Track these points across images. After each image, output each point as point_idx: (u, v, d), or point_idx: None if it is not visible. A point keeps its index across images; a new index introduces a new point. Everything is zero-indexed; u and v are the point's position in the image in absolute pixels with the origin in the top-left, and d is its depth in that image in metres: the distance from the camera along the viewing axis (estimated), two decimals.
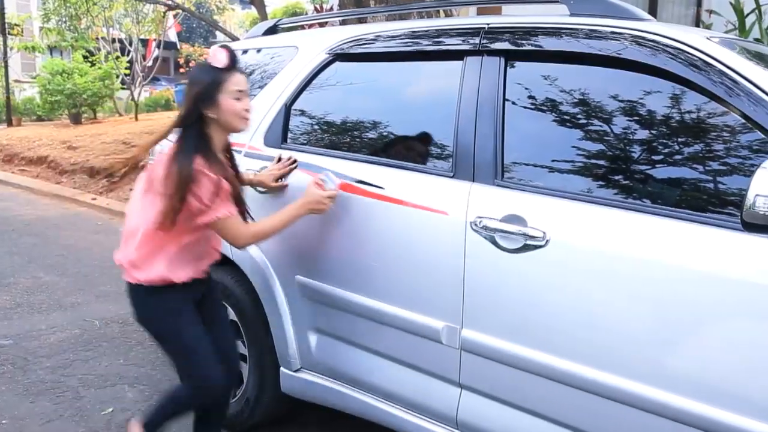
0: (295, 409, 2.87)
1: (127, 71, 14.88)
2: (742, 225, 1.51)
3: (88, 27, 15.40)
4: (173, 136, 2.18)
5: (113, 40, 15.58)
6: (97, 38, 15.62)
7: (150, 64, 15.61)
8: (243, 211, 2.28)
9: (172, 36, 18.63)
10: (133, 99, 14.36)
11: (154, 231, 2.12)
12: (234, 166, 2.34)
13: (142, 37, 15.87)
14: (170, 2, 10.75)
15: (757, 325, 1.58)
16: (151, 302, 2.23)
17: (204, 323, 2.29)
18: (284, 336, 2.57)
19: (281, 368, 2.61)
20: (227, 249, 2.71)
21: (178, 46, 20.41)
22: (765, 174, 1.46)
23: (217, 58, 2.13)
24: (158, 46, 16.00)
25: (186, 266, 2.23)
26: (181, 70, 20.42)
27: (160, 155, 2.16)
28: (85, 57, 14.80)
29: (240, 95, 2.16)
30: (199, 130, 2.13)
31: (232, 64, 2.16)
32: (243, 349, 2.74)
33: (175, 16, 15.65)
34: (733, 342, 1.61)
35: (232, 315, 2.76)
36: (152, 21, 15.10)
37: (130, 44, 15.43)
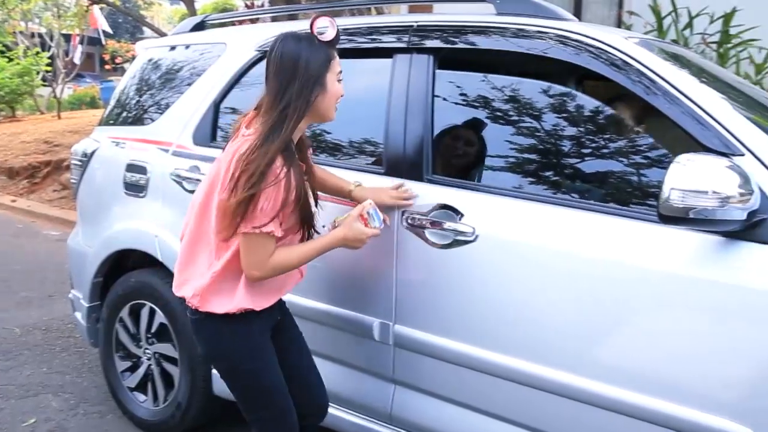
0: (228, 410, 2.82)
1: (49, 68, 14.27)
2: (659, 218, 1.57)
3: (4, 20, 14.70)
4: (245, 130, 1.81)
5: (32, 35, 14.90)
6: (15, 32, 14.91)
7: (78, 61, 15.03)
8: (306, 229, 1.89)
9: (105, 26, 17.89)
10: (55, 96, 13.79)
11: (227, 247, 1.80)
12: (308, 167, 1.96)
13: (64, 32, 15.25)
14: None
15: (674, 314, 1.65)
16: (225, 333, 1.87)
17: (280, 350, 1.97)
18: None
19: (213, 371, 2.56)
20: (155, 248, 2.65)
21: (103, 42, 19.70)
22: (679, 168, 1.52)
23: (325, 30, 1.78)
24: (81, 42, 15.42)
25: (273, 292, 1.90)
26: (107, 66, 19.74)
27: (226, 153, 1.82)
28: (1, 52, 14.11)
29: (341, 77, 1.84)
30: (285, 122, 1.74)
31: (338, 39, 1.82)
32: (174, 353, 2.68)
33: (101, 9, 15.10)
34: (655, 331, 1.68)
35: (161, 318, 2.69)
36: (74, 15, 14.53)
37: (51, 39, 14.80)
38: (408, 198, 2.05)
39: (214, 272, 1.82)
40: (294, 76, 1.74)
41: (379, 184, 2.11)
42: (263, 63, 2.56)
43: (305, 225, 1.86)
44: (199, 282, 1.84)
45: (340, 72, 1.84)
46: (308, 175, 1.92)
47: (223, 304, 1.82)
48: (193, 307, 1.85)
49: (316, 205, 1.95)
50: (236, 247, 1.79)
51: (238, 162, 1.71)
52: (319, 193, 2.03)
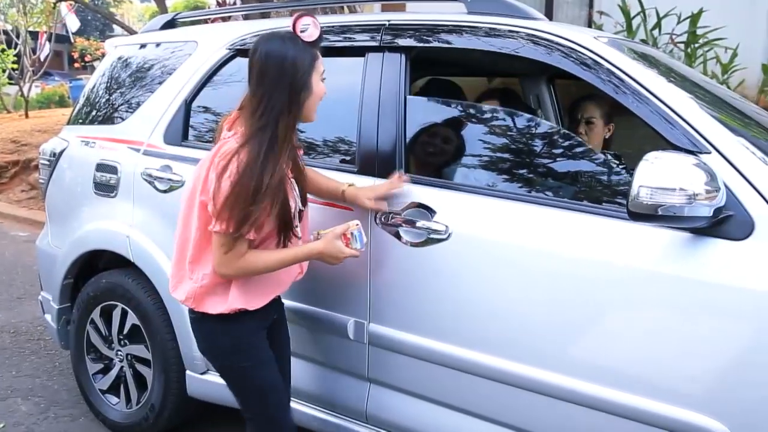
0: (205, 410, 2.80)
1: (15, 65, 13.98)
2: (628, 215, 1.60)
3: None
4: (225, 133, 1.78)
5: None
6: None
7: (45, 57, 14.73)
8: (283, 235, 1.83)
9: (73, 25, 17.55)
10: (22, 95, 13.51)
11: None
12: (299, 169, 1.93)
13: (31, 29, 14.96)
14: None
15: (644, 310, 1.68)
16: (218, 332, 1.88)
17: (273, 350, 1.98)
18: (190, 338, 2.50)
19: (187, 371, 2.54)
20: (127, 249, 2.62)
21: (72, 40, 19.35)
22: (647, 166, 1.55)
23: (307, 29, 1.74)
24: (49, 39, 15.14)
25: (266, 291, 1.89)
26: (76, 65, 19.42)
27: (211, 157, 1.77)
28: None
29: (324, 76, 1.81)
30: (275, 127, 1.71)
31: (321, 39, 1.78)
32: (147, 354, 2.65)
33: (70, 6, 14.84)
34: (625, 327, 1.71)
35: (134, 319, 2.66)
36: (41, 12, 14.25)
37: (18, 36, 14.50)
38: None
39: (204, 274, 1.83)
40: (281, 78, 1.71)
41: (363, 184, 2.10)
42: (235, 61, 2.58)
43: (282, 231, 1.82)
44: (190, 285, 1.85)
45: (324, 72, 1.82)
46: (298, 176, 1.91)
47: (216, 305, 1.83)
48: (189, 306, 1.88)
49: (304, 205, 1.93)
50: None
51: (232, 180, 1.68)
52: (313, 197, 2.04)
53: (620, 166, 1.97)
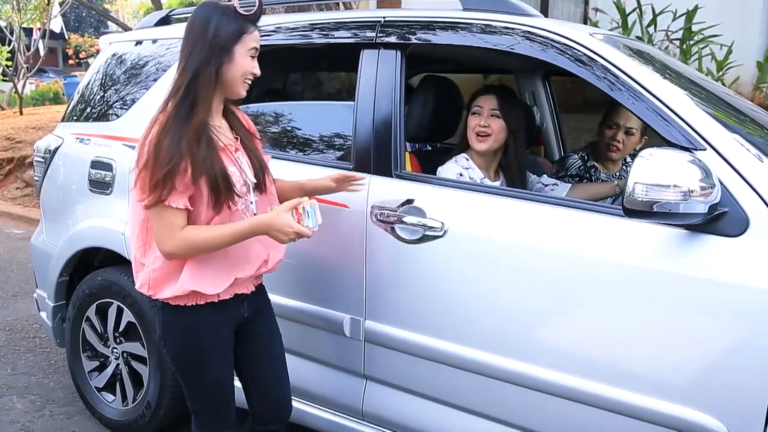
0: None
1: (9, 62, 13.92)
2: (624, 211, 1.60)
3: None
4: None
5: None
6: None
7: (41, 53, 14.67)
8: (220, 200, 1.75)
9: (56, 27, 17.54)
10: (17, 92, 13.45)
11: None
12: (250, 149, 1.89)
13: (25, 25, 14.89)
14: None
15: (639, 306, 1.69)
16: (175, 323, 1.84)
17: (244, 350, 1.96)
18: None
19: None
20: (122, 246, 2.61)
21: (66, 37, 19.28)
22: (642, 162, 1.55)
23: (247, 5, 1.76)
24: (42, 36, 15.07)
25: (220, 274, 1.81)
26: (71, 61, 19.36)
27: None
28: None
29: (255, 54, 1.81)
30: (194, 86, 1.72)
31: (258, 16, 1.80)
32: (143, 351, 2.65)
33: (61, 3, 14.77)
34: (624, 323, 1.71)
35: (129, 316, 2.66)
36: (35, 8, 14.19)
37: (12, 33, 14.44)
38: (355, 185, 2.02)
39: (155, 257, 1.80)
40: (202, 40, 1.73)
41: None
42: None
43: (217, 201, 1.75)
44: (144, 270, 1.83)
45: (255, 49, 1.80)
46: (250, 147, 1.88)
47: (170, 288, 1.79)
48: (149, 295, 1.84)
49: (258, 179, 1.88)
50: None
51: (149, 143, 1.68)
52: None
53: None
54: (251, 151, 1.89)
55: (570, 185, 2.55)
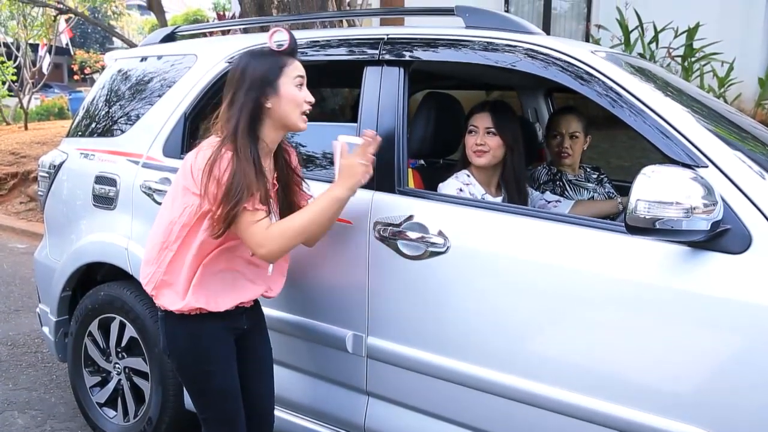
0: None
1: (15, 77, 14.02)
2: (626, 228, 1.60)
3: None
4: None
5: None
6: None
7: (45, 71, 14.77)
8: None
9: (64, 42, 17.65)
10: (22, 107, 13.54)
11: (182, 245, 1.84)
12: (289, 181, 1.99)
13: (31, 41, 15.01)
14: (61, 6, 10.24)
15: (642, 323, 1.68)
16: (180, 333, 1.90)
17: (241, 363, 2.00)
18: None
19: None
20: (125, 261, 2.62)
21: (72, 52, 19.39)
22: (644, 180, 1.55)
23: (276, 40, 1.85)
24: (49, 52, 15.18)
25: (223, 293, 1.89)
26: (76, 77, 19.48)
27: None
28: None
29: (301, 82, 1.87)
30: (248, 131, 1.79)
31: (293, 48, 1.87)
32: (145, 367, 2.64)
33: (67, 20, 14.89)
34: (625, 340, 1.70)
35: (132, 331, 2.66)
36: (41, 25, 14.31)
37: (18, 49, 14.55)
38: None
39: (167, 259, 1.86)
40: (242, 82, 1.82)
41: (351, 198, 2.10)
42: None
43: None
44: (152, 268, 1.89)
45: (300, 77, 1.87)
46: (286, 189, 1.97)
47: (174, 301, 1.85)
48: (151, 295, 1.91)
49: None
50: (182, 242, 1.84)
51: (203, 172, 1.75)
52: None
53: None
54: (284, 196, 1.98)
55: (573, 202, 2.56)
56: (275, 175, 1.96)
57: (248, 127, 1.80)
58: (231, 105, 1.83)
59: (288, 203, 1.99)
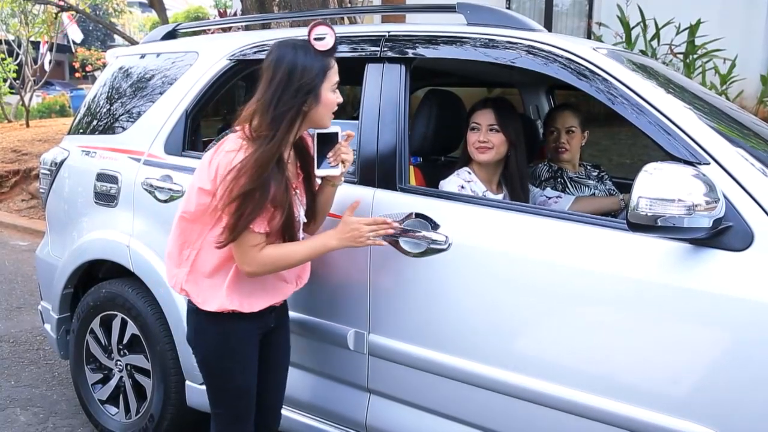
0: (204, 421, 2.80)
1: (16, 75, 14.02)
2: (628, 226, 1.60)
3: None
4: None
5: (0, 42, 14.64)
6: None
7: (47, 67, 14.77)
8: (288, 234, 1.85)
9: (76, 36, 17.61)
10: (23, 104, 13.55)
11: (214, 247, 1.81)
12: (310, 182, 1.97)
13: (32, 39, 15.01)
14: (62, 3, 10.24)
15: (644, 320, 1.68)
16: (208, 328, 1.89)
17: (263, 359, 1.99)
18: (190, 349, 2.50)
19: (187, 382, 2.54)
20: (127, 258, 2.62)
21: (74, 49, 19.40)
22: (646, 177, 1.55)
23: (323, 38, 1.75)
24: (50, 49, 15.19)
25: (256, 294, 1.88)
26: (77, 74, 19.49)
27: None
28: None
29: (337, 86, 1.84)
30: (283, 138, 1.75)
31: (335, 49, 1.79)
32: (146, 364, 2.65)
33: (71, 16, 14.90)
34: (627, 337, 1.70)
35: (133, 329, 2.66)
36: (42, 22, 14.30)
37: (19, 46, 14.55)
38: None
39: (191, 257, 1.87)
40: (288, 85, 1.74)
41: (352, 195, 2.10)
42: (235, 72, 2.59)
43: (285, 236, 1.85)
44: (177, 270, 1.89)
45: (337, 82, 1.84)
46: (308, 188, 1.96)
47: (206, 301, 1.85)
48: (180, 293, 1.91)
49: (309, 218, 1.98)
50: (200, 245, 1.84)
51: (228, 168, 1.71)
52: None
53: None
54: (308, 187, 1.97)
55: (574, 198, 2.56)
56: (298, 164, 1.94)
57: (286, 133, 1.75)
58: (271, 106, 1.74)
59: (310, 192, 1.98)
